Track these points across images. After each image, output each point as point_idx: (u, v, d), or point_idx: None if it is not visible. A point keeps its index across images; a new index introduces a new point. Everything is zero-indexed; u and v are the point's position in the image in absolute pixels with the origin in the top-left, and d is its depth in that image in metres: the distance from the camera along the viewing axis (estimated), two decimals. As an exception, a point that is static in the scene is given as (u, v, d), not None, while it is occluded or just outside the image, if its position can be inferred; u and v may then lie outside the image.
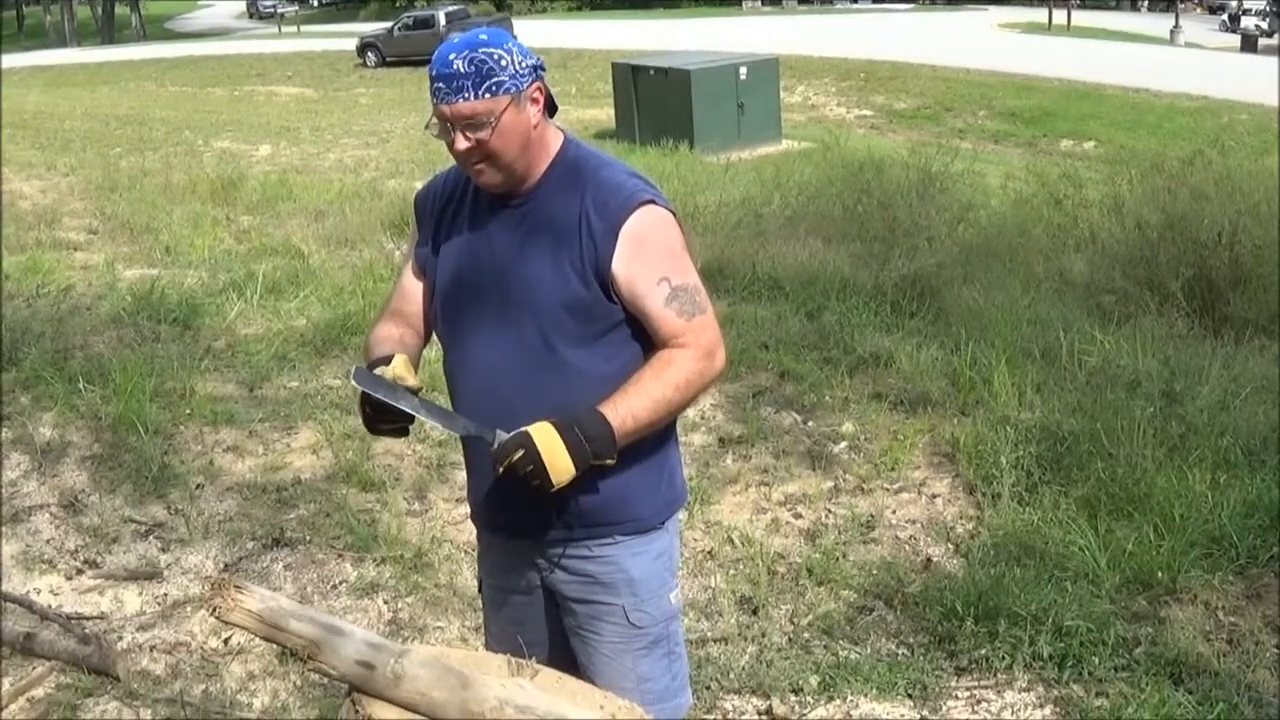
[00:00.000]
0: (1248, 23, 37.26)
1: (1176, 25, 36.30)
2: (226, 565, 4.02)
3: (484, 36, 2.06)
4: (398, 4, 50.50)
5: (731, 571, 3.94)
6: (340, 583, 3.93)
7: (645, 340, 2.14)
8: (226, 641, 3.57)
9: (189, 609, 3.76)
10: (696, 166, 15.48)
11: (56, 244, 8.72)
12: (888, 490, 4.46)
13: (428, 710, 1.91)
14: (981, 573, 3.69)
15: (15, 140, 16.41)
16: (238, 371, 5.67)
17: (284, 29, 51.88)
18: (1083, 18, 41.99)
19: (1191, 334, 6.26)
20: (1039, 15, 41.76)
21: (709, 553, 4.06)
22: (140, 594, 3.88)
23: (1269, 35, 35.47)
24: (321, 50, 39.18)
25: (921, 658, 3.39)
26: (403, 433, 2.19)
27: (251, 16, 66.08)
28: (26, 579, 3.93)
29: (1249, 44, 34.24)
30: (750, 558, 3.97)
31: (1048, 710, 3.18)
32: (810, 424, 5.03)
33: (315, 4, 67.51)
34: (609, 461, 2.03)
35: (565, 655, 2.28)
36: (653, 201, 2.12)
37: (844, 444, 4.82)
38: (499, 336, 2.14)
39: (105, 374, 5.29)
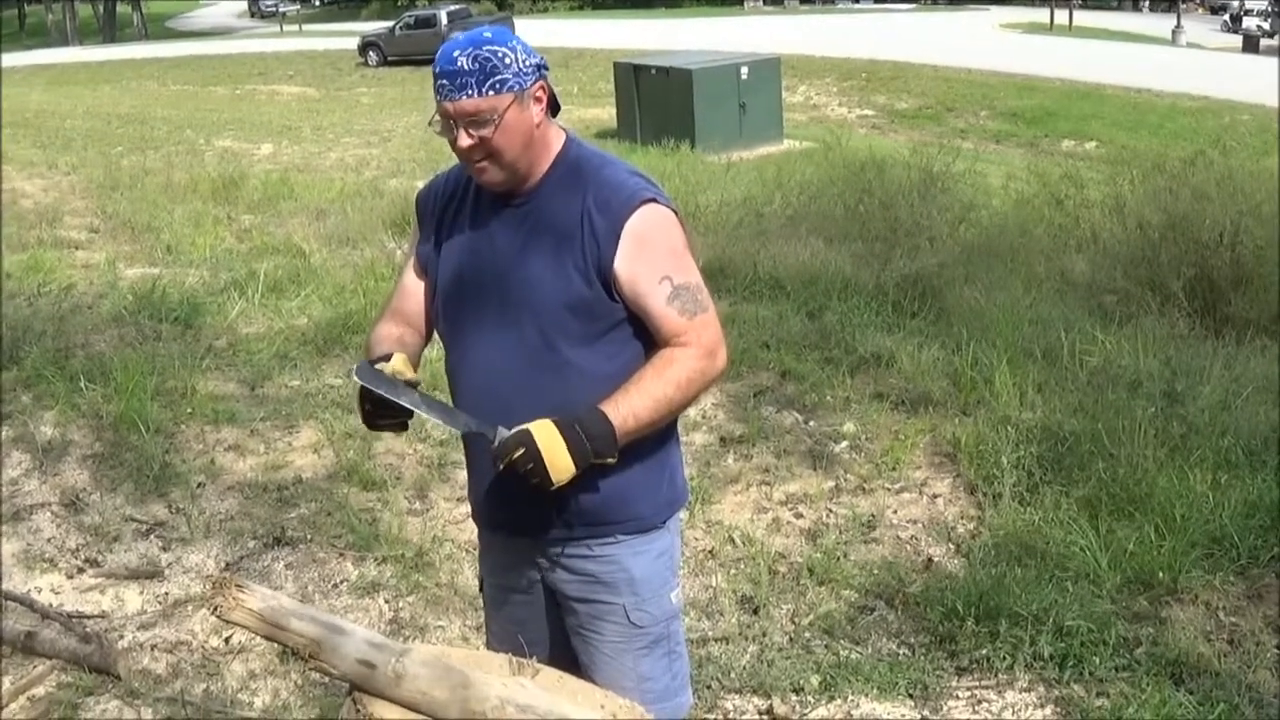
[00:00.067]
0: (1249, 23, 37.23)
1: (1178, 26, 36.30)
2: (228, 564, 4.02)
3: (488, 35, 2.07)
4: (399, 3, 50.50)
5: (732, 571, 3.94)
6: (341, 582, 3.93)
7: (646, 339, 2.14)
8: (227, 640, 3.57)
9: (190, 608, 3.76)
10: (698, 166, 15.48)
11: (58, 243, 8.72)
12: (889, 490, 4.46)
13: (429, 709, 1.91)
14: (982, 573, 3.69)
15: (17, 139, 16.43)
16: (239, 370, 5.67)
17: (285, 28, 51.93)
18: (1084, 18, 41.97)
19: (1193, 334, 6.26)
20: (1040, 15, 41.75)
21: (710, 552, 4.06)
22: (141, 593, 3.88)
23: (1270, 36, 35.46)
24: (323, 49, 39.18)
25: (922, 658, 3.39)
26: (402, 427, 2.19)
27: (253, 15, 66.14)
28: (28, 578, 3.94)
29: (1250, 44, 34.23)
30: (751, 557, 3.97)
31: (1048, 710, 3.18)
32: (811, 424, 5.03)
33: (317, 3, 67.51)
34: (610, 460, 2.03)
35: (566, 654, 2.28)
36: (655, 200, 2.12)
37: (845, 444, 4.82)
38: (500, 336, 2.14)
39: (106, 373, 5.29)
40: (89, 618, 3.70)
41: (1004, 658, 3.31)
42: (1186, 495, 3.93)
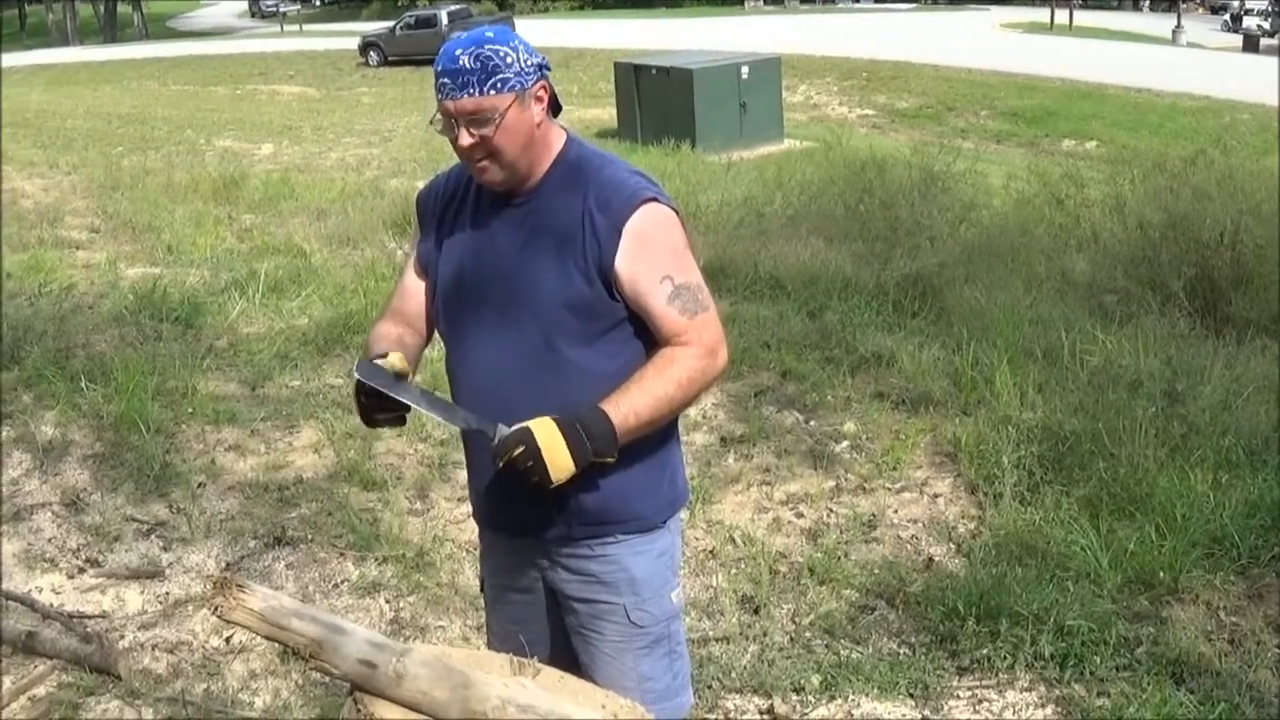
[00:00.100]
0: (1249, 23, 37.24)
1: (1178, 25, 36.30)
2: (228, 564, 4.02)
3: (490, 34, 2.07)
4: (400, 3, 50.54)
5: (733, 571, 3.93)
6: (342, 582, 3.93)
7: (647, 338, 2.14)
8: (228, 640, 3.57)
9: (191, 608, 3.76)
10: (698, 166, 15.48)
11: (58, 243, 8.72)
12: (889, 490, 4.46)
13: (429, 709, 1.91)
14: (983, 572, 3.69)
15: (17, 139, 16.43)
16: (239, 370, 5.67)
17: (286, 28, 51.95)
18: (1085, 18, 41.99)
19: (1193, 334, 6.25)
20: (1041, 15, 41.75)
21: (710, 552, 4.06)
22: (142, 593, 3.88)
23: (1271, 35, 35.45)
24: (324, 49, 39.18)
25: (923, 657, 3.39)
26: (400, 422, 2.19)
27: (254, 15, 66.19)
28: (28, 578, 3.94)
29: (1251, 44, 34.23)
30: (752, 557, 3.97)
31: (1049, 710, 3.18)
32: (812, 423, 5.03)
33: (317, 3, 67.56)
34: (610, 459, 2.03)
35: (567, 654, 2.28)
36: (655, 199, 2.12)
37: (846, 443, 4.82)
38: (500, 335, 2.14)
39: (107, 373, 5.29)
40: (90, 618, 3.70)
41: (1005, 657, 3.31)
42: (1187, 495, 3.93)
